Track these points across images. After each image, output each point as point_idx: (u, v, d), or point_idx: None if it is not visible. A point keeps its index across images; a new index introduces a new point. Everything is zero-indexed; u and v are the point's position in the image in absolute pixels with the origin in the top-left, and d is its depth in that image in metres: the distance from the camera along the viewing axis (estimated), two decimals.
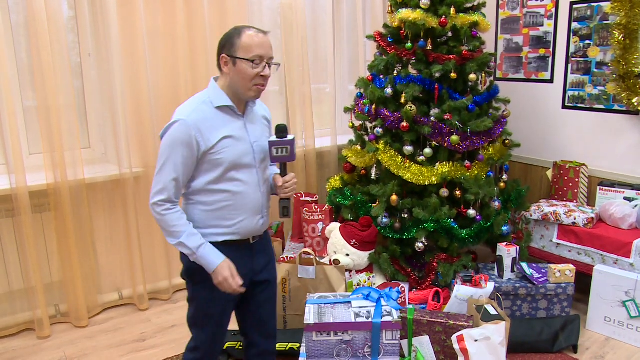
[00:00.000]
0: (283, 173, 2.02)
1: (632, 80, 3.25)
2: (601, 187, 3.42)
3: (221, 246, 1.94)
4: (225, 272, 1.90)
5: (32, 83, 3.02)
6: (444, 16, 3.12)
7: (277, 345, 2.79)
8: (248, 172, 1.95)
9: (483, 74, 3.31)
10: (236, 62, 1.86)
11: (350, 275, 3.20)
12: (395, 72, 3.28)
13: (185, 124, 1.82)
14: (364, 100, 3.39)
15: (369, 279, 3.20)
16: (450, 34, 3.23)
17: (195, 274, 1.96)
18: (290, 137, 1.97)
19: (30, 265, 3.03)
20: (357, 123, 3.60)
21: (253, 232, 2.02)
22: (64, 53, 2.96)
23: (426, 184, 3.13)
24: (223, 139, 1.87)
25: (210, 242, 1.92)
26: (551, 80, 3.77)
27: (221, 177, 1.90)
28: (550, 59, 3.75)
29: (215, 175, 1.89)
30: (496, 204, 3.20)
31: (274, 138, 1.97)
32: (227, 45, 1.87)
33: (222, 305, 2.00)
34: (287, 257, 3.36)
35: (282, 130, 1.97)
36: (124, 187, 3.27)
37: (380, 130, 3.27)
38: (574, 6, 3.55)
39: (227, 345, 2.79)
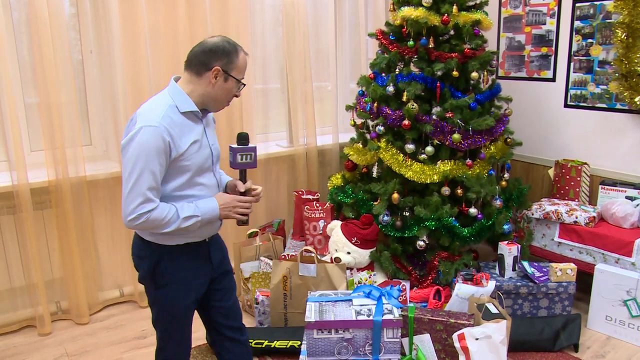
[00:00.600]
0: (243, 180, 2.02)
1: (634, 79, 3.24)
2: (603, 186, 3.42)
3: (182, 248, 1.92)
4: (228, 203, 1.94)
5: (33, 80, 3.02)
6: (446, 14, 3.11)
7: (278, 343, 2.80)
8: (208, 176, 1.95)
9: (485, 72, 3.30)
10: (228, 79, 1.87)
11: (351, 273, 3.21)
12: (397, 70, 3.28)
13: (157, 130, 1.74)
14: (366, 98, 3.39)
15: (369, 277, 3.20)
16: (452, 32, 3.22)
17: (157, 277, 1.93)
18: (252, 145, 2.00)
19: (32, 262, 3.03)
20: (359, 121, 3.60)
21: (211, 232, 2.01)
22: (66, 50, 2.96)
23: (427, 182, 3.13)
24: (192, 144, 1.84)
25: (172, 245, 1.90)
26: (553, 79, 3.77)
27: (187, 182, 1.87)
28: (552, 58, 3.75)
29: (181, 181, 1.86)
30: (497, 203, 3.20)
31: (235, 145, 1.98)
32: (225, 60, 1.84)
33: (185, 305, 1.97)
34: (288, 254, 3.36)
35: (244, 138, 1.98)
36: None
37: (381, 128, 3.26)
38: (577, 4, 3.54)
39: None
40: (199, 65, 1.85)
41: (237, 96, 1.94)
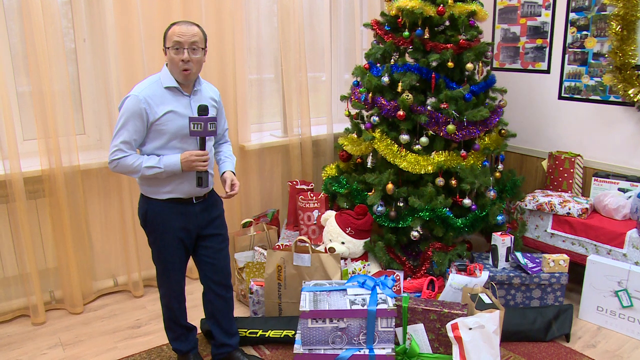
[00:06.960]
0: (202, 147, 2.27)
1: (628, 72, 3.26)
2: (596, 178, 3.44)
3: (167, 203, 2.30)
4: (187, 157, 2.23)
5: (26, 69, 3.00)
6: (441, 5, 3.10)
7: (272, 332, 2.81)
8: (191, 142, 2.28)
9: (480, 64, 3.30)
10: (167, 52, 2.22)
11: (346, 264, 3.22)
12: (392, 60, 3.27)
13: (137, 99, 2.18)
14: (361, 89, 3.38)
15: (364, 267, 3.21)
16: (447, 23, 3.21)
17: (147, 224, 2.36)
18: (210, 116, 2.26)
19: (25, 252, 3.02)
20: (354, 111, 3.59)
21: (193, 193, 2.34)
22: (58, 38, 2.93)
23: (422, 172, 3.13)
24: (167, 113, 2.21)
25: (159, 199, 2.30)
26: (548, 71, 3.77)
27: (165, 144, 2.25)
28: (547, 50, 3.75)
29: (160, 142, 2.24)
30: (491, 194, 3.21)
31: (194, 115, 2.26)
32: (164, 40, 2.23)
33: (170, 248, 2.36)
34: (282, 244, 3.36)
35: (202, 110, 2.26)
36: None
37: (376, 118, 3.26)
38: None
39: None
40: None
41: (183, 61, 2.18)
